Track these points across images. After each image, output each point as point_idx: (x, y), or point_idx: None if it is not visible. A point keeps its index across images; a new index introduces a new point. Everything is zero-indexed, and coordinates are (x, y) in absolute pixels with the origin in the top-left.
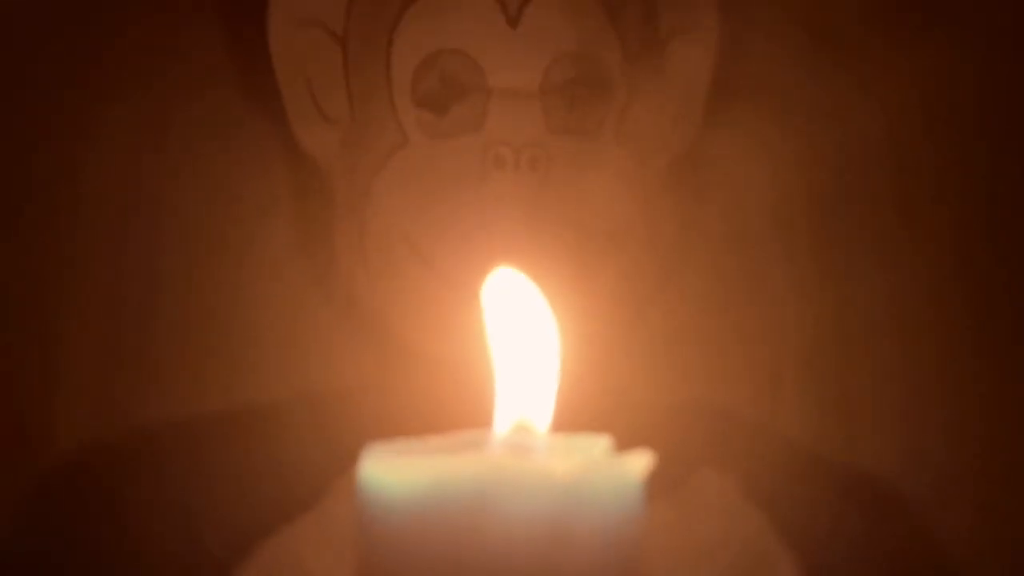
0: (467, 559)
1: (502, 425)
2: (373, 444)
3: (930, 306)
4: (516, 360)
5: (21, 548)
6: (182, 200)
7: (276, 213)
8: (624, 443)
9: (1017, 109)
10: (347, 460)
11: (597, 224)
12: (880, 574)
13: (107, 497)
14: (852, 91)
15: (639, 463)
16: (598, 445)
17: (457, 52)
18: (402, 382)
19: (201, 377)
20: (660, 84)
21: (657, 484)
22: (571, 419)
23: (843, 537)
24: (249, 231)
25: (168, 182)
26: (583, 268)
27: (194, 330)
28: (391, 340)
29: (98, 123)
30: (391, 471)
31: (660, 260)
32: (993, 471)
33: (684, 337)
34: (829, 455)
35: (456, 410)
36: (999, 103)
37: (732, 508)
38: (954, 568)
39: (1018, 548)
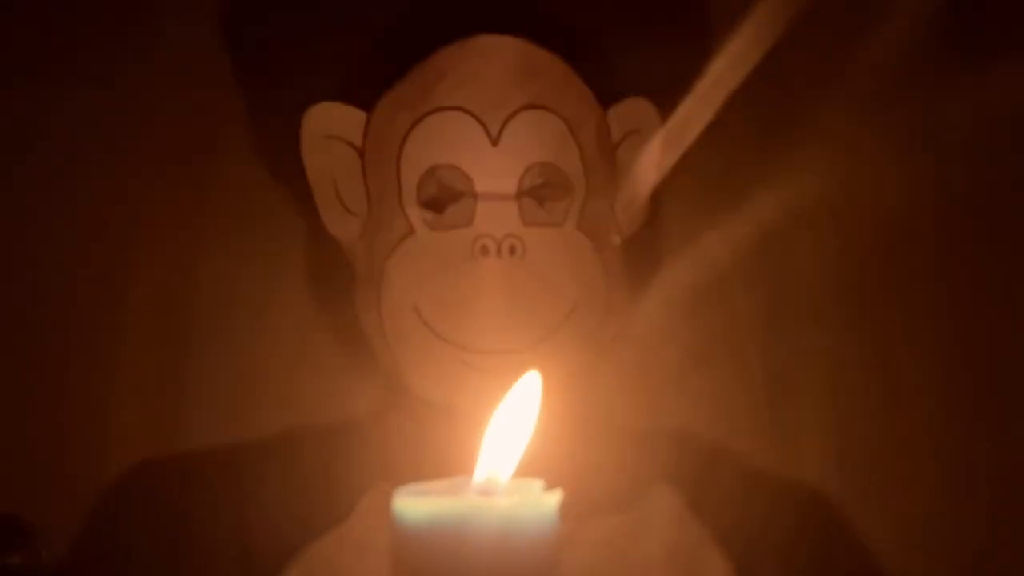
0: (455, 559)
1: (479, 475)
2: (387, 473)
3: (863, 336)
4: (500, 440)
5: (80, 556)
6: (222, 271)
7: (298, 280)
8: (598, 460)
9: None
10: (364, 479)
11: (564, 294)
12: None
13: (158, 510)
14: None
15: (553, 499)
16: (535, 487)
17: (451, 166)
18: (406, 418)
19: (237, 409)
20: (612, 181)
21: (620, 498)
22: (559, 438)
23: (776, 542)
24: (283, 295)
25: (209, 257)
26: (555, 327)
27: (232, 371)
28: (399, 386)
29: (153, 215)
30: (412, 505)
31: (616, 319)
32: (923, 480)
33: (648, 373)
34: (770, 468)
35: (443, 439)
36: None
37: (678, 520)
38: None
39: (948, 552)
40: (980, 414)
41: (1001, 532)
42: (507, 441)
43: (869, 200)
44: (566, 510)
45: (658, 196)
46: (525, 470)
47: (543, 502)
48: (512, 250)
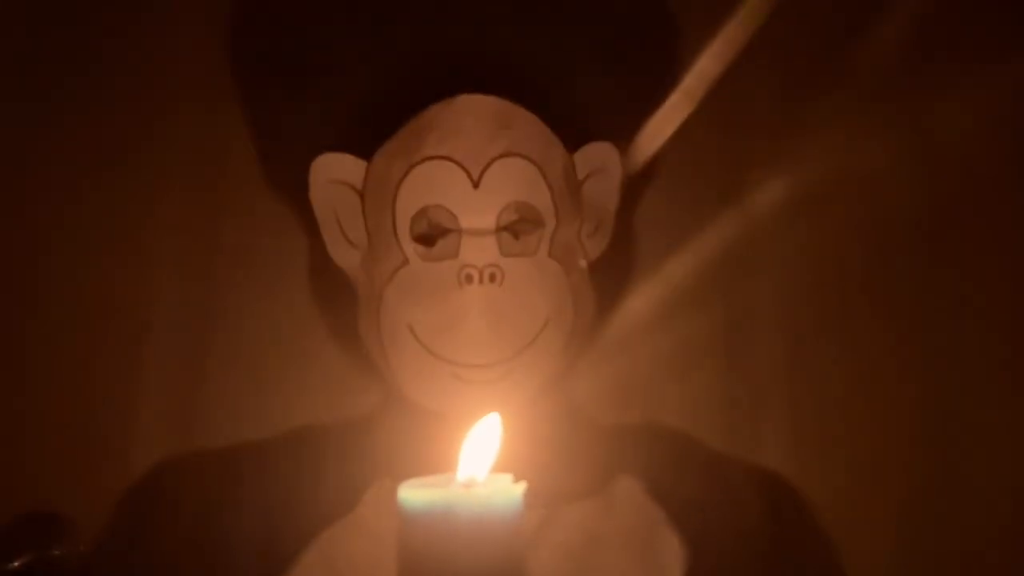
0: (445, 536)
1: (462, 473)
2: (387, 469)
3: (820, 336)
4: (475, 453)
5: (111, 547)
6: (241, 291)
7: (308, 300)
8: (571, 454)
9: None
10: (366, 475)
11: (538, 314)
12: (770, 562)
13: (183, 502)
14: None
15: (519, 488)
16: (506, 480)
17: (439, 206)
18: (403, 422)
19: (252, 413)
20: (578, 213)
21: (590, 487)
22: (537, 434)
23: (734, 523)
24: (294, 313)
25: (229, 279)
26: (529, 342)
27: (248, 379)
28: (397, 393)
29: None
30: (412, 494)
31: (583, 333)
32: (876, 466)
33: (618, 376)
34: (730, 456)
35: (435, 440)
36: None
37: (638, 505)
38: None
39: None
40: (931, 403)
41: (952, 512)
42: (482, 450)
43: (826, 214)
44: (543, 497)
45: (623, 223)
46: (509, 462)
47: (511, 491)
48: (492, 278)
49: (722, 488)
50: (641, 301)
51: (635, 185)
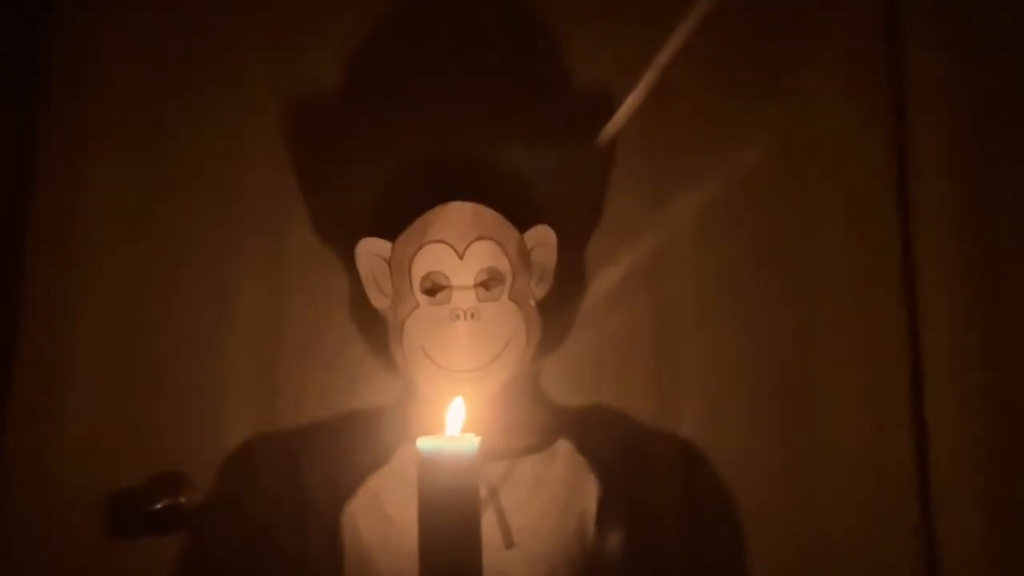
0: (438, 464)
1: (449, 432)
2: (407, 435)
3: (733, 328)
4: (452, 422)
5: (217, 498)
6: (307, 320)
7: (354, 329)
8: (528, 423)
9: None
10: (393, 439)
11: (502, 338)
12: (680, 504)
13: (268, 463)
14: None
15: (475, 440)
16: (471, 436)
17: (438, 271)
18: (415, 405)
19: (315, 401)
20: (528, 271)
21: (540, 446)
22: (505, 410)
23: (653, 475)
24: (343, 337)
25: (297, 313)
26: (496, 356)
27: (312, 379)
28: (412, 388)
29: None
30: (425, 442)
31: (534, 346)
32: (777, 437)
33: (566, 366)
34: (654, 425)
35: (435, 416)
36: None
37: (570, 457)
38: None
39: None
40: (807, 375)
41: (823, 457)
42: (455, 420)
43: (725, 234)
44: (508, 452)
45: (571, 261)
46: (484, 428)
47: (473, 441)
48: (472, 315)
49: (634, 444)
50: (587, 309)
51: (571, 234)
